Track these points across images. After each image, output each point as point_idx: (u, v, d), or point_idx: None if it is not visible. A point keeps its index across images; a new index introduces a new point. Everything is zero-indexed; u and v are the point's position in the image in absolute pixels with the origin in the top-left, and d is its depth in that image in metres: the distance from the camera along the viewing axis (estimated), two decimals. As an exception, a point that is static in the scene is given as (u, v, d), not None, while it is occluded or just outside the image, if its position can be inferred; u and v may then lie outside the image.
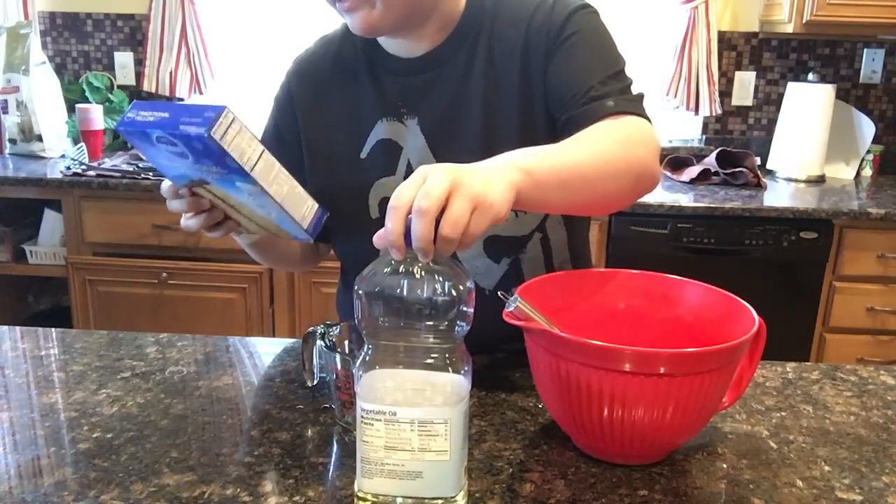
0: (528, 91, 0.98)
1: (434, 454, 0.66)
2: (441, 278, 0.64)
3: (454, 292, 0.64)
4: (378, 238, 0.64)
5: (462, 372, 0.67)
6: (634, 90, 0.98)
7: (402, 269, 0.64)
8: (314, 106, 1.08)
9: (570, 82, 0.95)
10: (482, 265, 1.05)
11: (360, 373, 0.67)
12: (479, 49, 1.00)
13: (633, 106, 0.94)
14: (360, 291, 0.65)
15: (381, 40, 1.04)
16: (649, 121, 0.95)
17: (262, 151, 0.79)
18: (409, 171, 1.02)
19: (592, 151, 0.84)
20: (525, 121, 0.99)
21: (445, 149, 1.01)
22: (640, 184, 0.90)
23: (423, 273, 0.64)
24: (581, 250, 1.14)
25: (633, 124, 0.92)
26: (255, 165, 0.77)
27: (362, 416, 0.66)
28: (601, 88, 0.93)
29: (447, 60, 1.01)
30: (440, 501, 0.68)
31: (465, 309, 0.65)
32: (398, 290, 0.63)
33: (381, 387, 0.66)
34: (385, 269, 0.64)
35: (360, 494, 0.69)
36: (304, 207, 0.85)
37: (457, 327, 0.65)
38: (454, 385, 0.67)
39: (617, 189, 0.87)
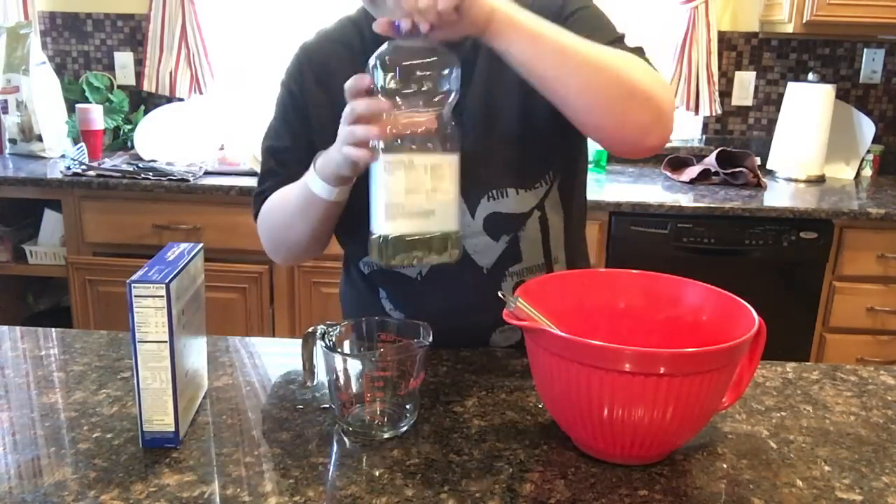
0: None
1: (442, 194, 0.81)
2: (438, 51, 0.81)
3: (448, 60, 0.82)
4: (379, 23, 0.80)
5: (452, 126, 0.84)
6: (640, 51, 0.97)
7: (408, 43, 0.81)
8: (324, 86, 1.07)
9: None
10: (481, 243, 1.05)
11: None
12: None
13: (644, 59, 0.94)
14: (376, 60, 0.81)
15: None
16: (647, 63, 0.94)
17: None
18: None
19: (586, 42, 0.86)
20: (527, 100, 0.99)
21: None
22: (634, 104, 0.87)
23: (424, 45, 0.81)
24: (577, 245, 1.15)
25: (644, 63, 0.92)
26: None
27: (384, 167, 0.80)
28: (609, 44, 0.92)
29: (455, 43, 1.00)
30: (445, 236, 0.83)
31: (455, 72, 0.83)
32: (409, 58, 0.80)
33: (398, 141, 0.81)
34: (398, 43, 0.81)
35: (382, 236, 0.82)
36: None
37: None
38: (451, 134, 0.83)
39: (601, 89, 0.86)
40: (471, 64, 1.01)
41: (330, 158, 0.92)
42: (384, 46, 0.82)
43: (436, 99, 0.82)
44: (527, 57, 0.84)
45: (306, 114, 1.09)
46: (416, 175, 0.80)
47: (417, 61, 0.81)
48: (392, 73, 0.81)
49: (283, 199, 1.06)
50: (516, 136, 1.02)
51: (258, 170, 1.17)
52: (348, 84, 0.85)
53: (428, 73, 0.81)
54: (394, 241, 0.81)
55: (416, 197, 0.81)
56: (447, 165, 0.82)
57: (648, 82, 0.88)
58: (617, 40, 0.96)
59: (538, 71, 0.86)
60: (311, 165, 0.97)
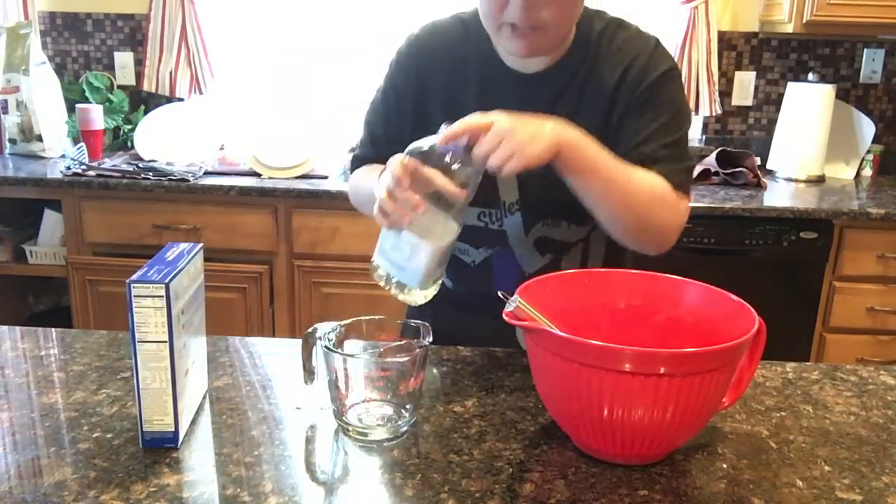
0: (605, 132, 1.06)
1: (414, 264, 0.98)
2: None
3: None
4: (445, 136, 0.91)
5: (449, 223, 0.98)
6: (686, 162, 1.11)
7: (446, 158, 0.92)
8: (422, 81, 1.15)
9: (641, 137, 1.07)
10: (528, 254, 1.18)
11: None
12: (577, 80, 1.09)
13: (680, 178, 1.07)
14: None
15: (500, 49, 1.11)
16: (689, 196, 1.09)
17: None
18: None
19: (629, 178, 1.00)
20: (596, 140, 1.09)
21: None
22: (646, 235, 1.05)
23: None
24: (618, 264, 1.20)
25: (671, 194, 1.05)
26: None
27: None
28: (658, 152, 1.06)
29: (548, 83, 1.10)
30: (404, 284, 1.01)
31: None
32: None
33: None
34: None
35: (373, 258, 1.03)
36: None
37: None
38: (444, 229, 0.98)
39: (624, 220, 1.03)
40: (556, 107, 1.08)
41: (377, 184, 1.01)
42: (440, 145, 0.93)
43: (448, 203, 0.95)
44: (579, 184, 0.99)
45: (404, 103, 1.16)
46: (400, 243, 0.98)
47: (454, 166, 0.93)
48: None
49: (362, 182, 1.18)
50: None
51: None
52: (406, 161, 0.93)
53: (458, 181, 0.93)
54: (374, 266, 1.03)
55: (396, 253, 0.99)
56: (424, 249, 0.97)
57: (666, 220, 1.05)
58: (673, 144, 1.07)
59: (582, 191, 1.00)
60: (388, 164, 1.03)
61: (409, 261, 0.99)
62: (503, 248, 1.18)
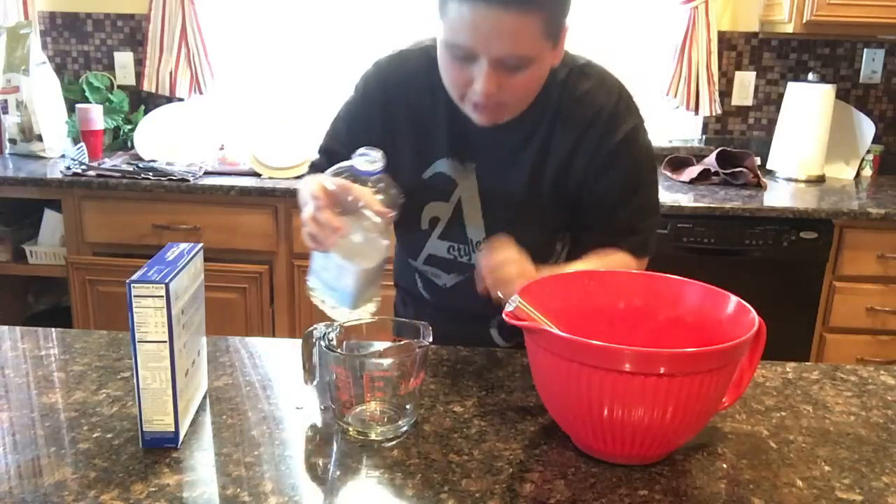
0: (566, 177, 1.10)
1: (344, 284, 1.02)
2: None
3: None
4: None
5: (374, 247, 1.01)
6: (653, 222, 1.15)
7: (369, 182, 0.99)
8: (386, 110, 1.14)
9: (602, 203, 1.10)
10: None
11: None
12: (545, 122, 1.09)
13: (643, 245, 1.12)
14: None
15: None
16: (651, 252, 1.14)
17: None
18: (459, 203, 1.15)
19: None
20: (559, 192, 1.11)
21: (491, 196, 1.13)
22: None
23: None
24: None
25: (634, 262, 1.11)
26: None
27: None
28: (622, 223, 1.11)
29: (517, 124, 1.08)
30: (335, 304, 1.05)
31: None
32: None
33: None
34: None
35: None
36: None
37: None
38: (370, 253, 1.01)
39: None
40: (523, 148, 1.10)
41: (301, 199, 1.02)
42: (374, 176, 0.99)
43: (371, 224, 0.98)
44: None
45: (365, 127, 1.15)
46: (329, 264, 1.01)
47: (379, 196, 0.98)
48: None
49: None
50: (536, 224, 1.15)
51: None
52: (333, 190, 0.96)
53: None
54: (310, 288, 1.08)
55: (326, 274, 1.03)
56: (351, 271, 1.00)
57: None
58: (638, 208, 1.12)
59: None
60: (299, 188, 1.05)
61: (338, 281, 1.02)
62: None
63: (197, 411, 0.90)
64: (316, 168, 1.19)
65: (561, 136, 1.08)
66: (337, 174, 0.99)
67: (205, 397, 0.94)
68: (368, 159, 0.98)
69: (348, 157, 1.10)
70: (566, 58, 1.08)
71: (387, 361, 0.87)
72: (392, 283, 1.41)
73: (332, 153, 1.17)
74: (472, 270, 1.16)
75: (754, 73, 2.87)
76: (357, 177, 0.98)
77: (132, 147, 2.70)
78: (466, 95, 1.00)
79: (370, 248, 1.00)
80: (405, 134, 1.13)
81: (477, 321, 1.23)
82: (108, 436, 0.84)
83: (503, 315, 0.82)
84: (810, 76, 2.69)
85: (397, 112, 1.13)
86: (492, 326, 1.25)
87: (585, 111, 1.07)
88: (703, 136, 2.94)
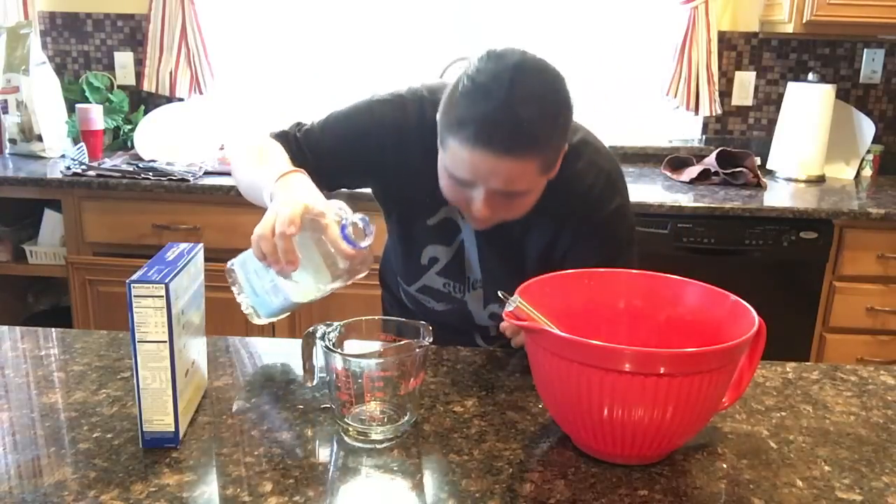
0: (552, 250, 1.14)
1: (271, 298, 1.04)
2: None
3: None
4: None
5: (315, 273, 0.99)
6: None
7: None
8: (401, 156, 1.14)
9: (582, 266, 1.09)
10: (484, 320, 1.27)
11: None
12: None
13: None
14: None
15: None
16: None
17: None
18: (460, 247, 1.19)
19: None
20: (546, 262, 1.12)
21: (488, 243, 1.17)
22: None
23: None
24: None
25: None
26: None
27: None
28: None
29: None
30: (253, 311, 1.07)
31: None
32: None
33: None
34: None
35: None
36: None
37: None
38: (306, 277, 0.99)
39: None
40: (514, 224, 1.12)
41: (270, 207, 1.00)
42: (353, 215, 0.95)
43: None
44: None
45: (372, 150, 1.14)
46: (266, 275, 1.01)
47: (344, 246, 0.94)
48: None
49: (257, 171, 1.10)
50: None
51: None
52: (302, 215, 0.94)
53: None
54: (230, 270, 1.07)
55: (257, 280, 1.03)
56: (285, 297, 1.00)
57: None
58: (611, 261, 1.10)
59: None
60: (284, 182, 1.03)
61: (266, 294, 1.02)
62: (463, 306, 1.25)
63: (197, 411, 0.90)
64: (289, 143, 1.16)
65: (551, 211, 1.10)
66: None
67: (205, 397, 0.94)
68: (365, 232, 0.94)
69: (328, 163, 1.12)
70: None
71: (387, 361, 0.87)
72: (378, 283, 1.45)
73: (316, 150, 1.15)
74: (464, 304, 1.24)
75: (754, 73, 2.87)
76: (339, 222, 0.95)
77: (132, 147, 2.70)
78: (464, 209, 1.05)
79: (313, 289, 0.99)
80: (419, 177, 1.11)
81: (460, 331, 1.28)
82: (108, 436, 0.84)
83: (503, 315, 0.82)
84: (810, 76, 2.69)
85: (414, 153, 1.11)
86: (476, 333, 1.30)
87: (574, 188, 1.09)
88: (703, 136, 2.94)
